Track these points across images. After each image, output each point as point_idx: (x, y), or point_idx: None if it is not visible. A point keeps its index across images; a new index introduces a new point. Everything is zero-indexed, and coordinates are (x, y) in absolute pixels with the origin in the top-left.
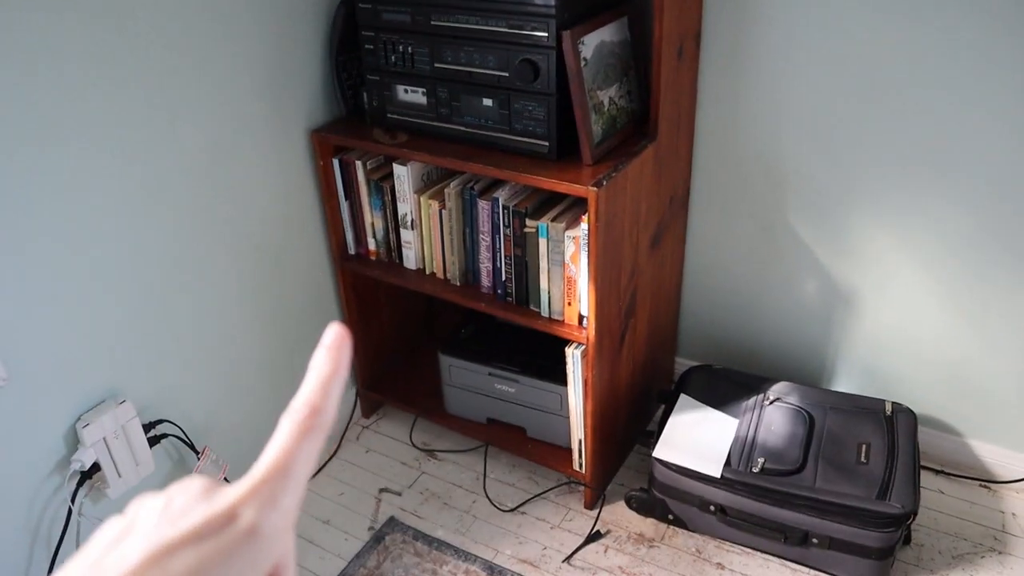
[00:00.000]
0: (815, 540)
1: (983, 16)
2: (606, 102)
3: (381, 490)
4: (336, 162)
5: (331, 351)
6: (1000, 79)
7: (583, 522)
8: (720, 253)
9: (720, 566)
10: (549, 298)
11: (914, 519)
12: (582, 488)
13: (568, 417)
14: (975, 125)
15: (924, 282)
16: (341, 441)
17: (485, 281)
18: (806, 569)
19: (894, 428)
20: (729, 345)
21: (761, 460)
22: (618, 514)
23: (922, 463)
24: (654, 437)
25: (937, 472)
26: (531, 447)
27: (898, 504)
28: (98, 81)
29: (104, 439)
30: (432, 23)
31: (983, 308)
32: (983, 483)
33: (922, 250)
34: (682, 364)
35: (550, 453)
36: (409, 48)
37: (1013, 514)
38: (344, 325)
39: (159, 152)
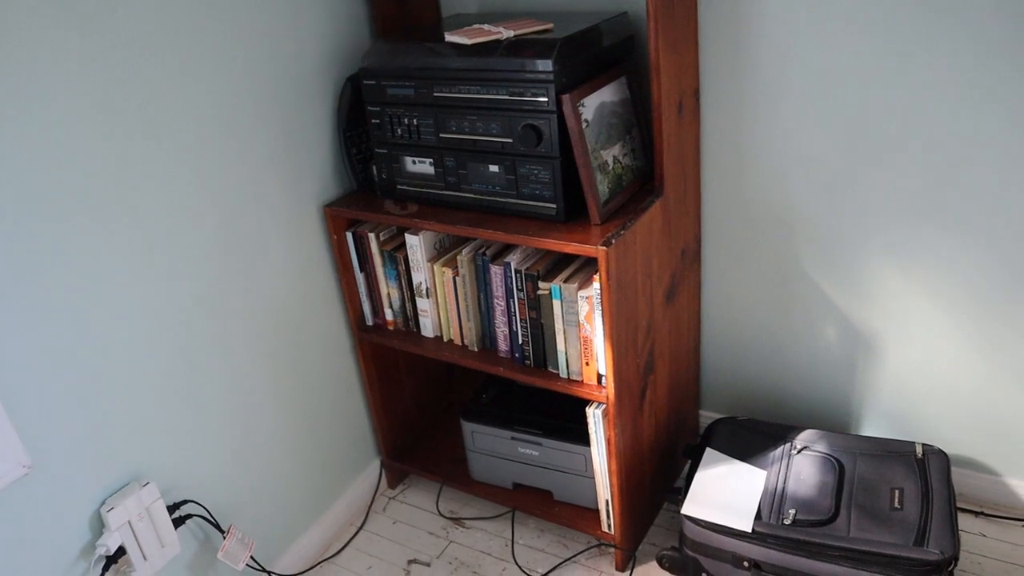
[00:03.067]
0: None
1: (990, 50)
2: (610, 161)
3: (410, 561)
4: (349, 235)
5: None
6: (1011, 117)
7: None
8: (737, 304)
9: None
10: (567, 359)
11: (955, 564)
12: (612, 550)
13: (594, 478)
14: (986, 163)
15: (945, 322)
16: (368, 513)
17: (502, 345)
18: None
19: (927, 471)
20: (752, 395)
21: (792, 511)
22: (651, 575)
23: (960, 505)
24: (682, 494)
25: (977, 514)
26: (558, 510)
27: (937, 550)
28: (117, 160)
29: (129, 522)
30: (435, 95)
31: (1007, 344)
32: None
33: (940, 290)
34: (706, 417)
35: (578, 515)
36: (414, 120)
37: None
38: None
39: (178, 233)
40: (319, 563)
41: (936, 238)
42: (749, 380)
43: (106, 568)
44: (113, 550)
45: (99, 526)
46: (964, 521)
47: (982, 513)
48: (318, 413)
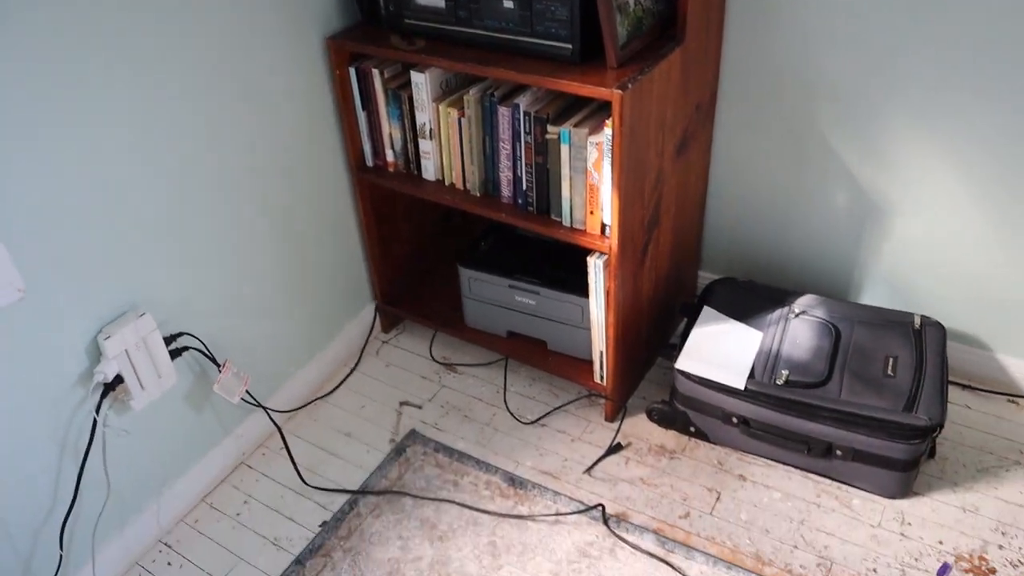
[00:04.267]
0: (839, 452)
1: None
2: (631, 2)
3: (402, 403)
4: (352, 71)
5: None
6: None
7: (604, 435)
8: (746, 163)
9: (742, 478)
10: (571, 207)
11: (940, 432)
12: (603, 401)
13: (589, 329)
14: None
15: (961, 194)
16: (361, 356)
17: (505, 191)
18: (828, 481)
19: (922, 341)
20: (754, 258)
21: (785, 372)
22: (639, 427)
23: (950, 378)
24: (676, 349)
25: (964, 387)
26: (552, 360)
27: (925, 416)
28: None
29: (126, 351)
30: None
31: (1018, 223)
32: (1011, 398)
33: (957, 162)
34: (705, 278)
35: (571, 366)
36: None
37: None
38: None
39: (175, 63)
40: (312, 401)
41: (965, 104)
42: (752, 242)
43: (104, 395)
44: (111, 377)
45: (96, 354)
46: (953, 393)
47: (969, 386)
48: (314, 253)
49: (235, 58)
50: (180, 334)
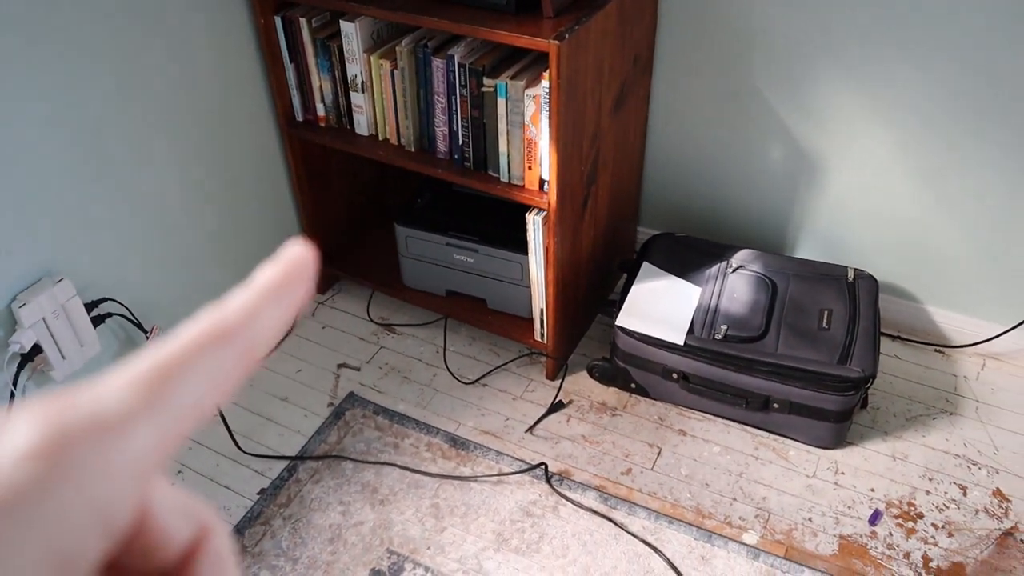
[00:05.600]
0: (776, 405)
1: None
2: None
3: (340, 366)
4: (278, 19)
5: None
6: None
7: (545, 393)
8: (684, 118)
9: (682, 432)
10: (508, 162)
11: (872, 383)
12: (544, 359)
13: (529, 287)
14: None
15: (891, 150)
16: (296, 317)
17: (441, 146)
18: (766, 433)
19: (856, 294)
20: (692, 213)
21: (724, 327)
22: (580, 384)
23: (881, 329)
24: (616, 306)
25: (894, 338)
26: (492, 319)
27: (858, 368)
28: None
29: (44, 319)
30: None
31: (947, 178)
32: (938, 348)
33: (891, 118)
34: (644, 234)
35: (511, 324)
36: None
37: (965, 377)
38: (305, 244)
39: (79, 8)
40: None
41: (895, 63)
42: (690, 197)
43: (22, 366)
44: (28, 348)
45: (11, 323)
46: (883, 344)
47: (900, 337)
48: (244, 213)
49: (149, 6)
50: (103, 300)
